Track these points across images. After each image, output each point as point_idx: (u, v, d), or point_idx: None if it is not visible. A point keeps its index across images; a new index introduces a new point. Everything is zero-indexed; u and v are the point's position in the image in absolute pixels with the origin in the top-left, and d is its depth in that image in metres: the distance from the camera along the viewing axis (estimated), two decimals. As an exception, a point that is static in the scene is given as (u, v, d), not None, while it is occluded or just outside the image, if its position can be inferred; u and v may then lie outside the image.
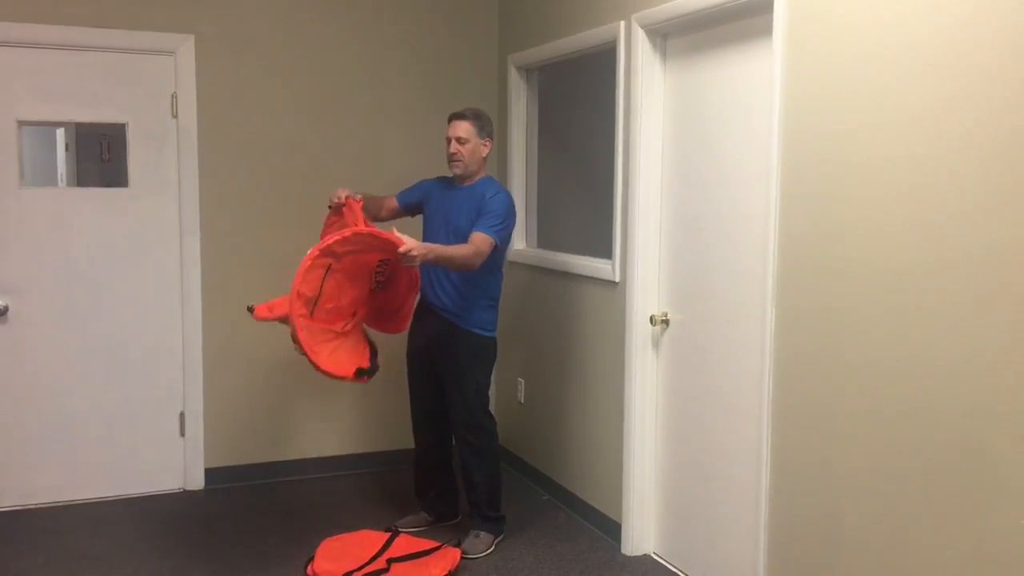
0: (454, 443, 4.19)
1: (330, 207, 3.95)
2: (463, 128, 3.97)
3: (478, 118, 4.01)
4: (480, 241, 3.82)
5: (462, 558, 3.88)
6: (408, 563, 3.76)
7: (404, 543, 3.92)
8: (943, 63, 2.49)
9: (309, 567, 3.75)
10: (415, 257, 3.58)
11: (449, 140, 4.00)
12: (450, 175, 4.11)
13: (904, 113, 2.62)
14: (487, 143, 4.03)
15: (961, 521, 2.49)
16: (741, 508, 3.45)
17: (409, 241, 3.58)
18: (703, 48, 3.64)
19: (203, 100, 4.70)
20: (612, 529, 4.19)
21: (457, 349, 4.00)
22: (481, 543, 4.03)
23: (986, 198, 2.38)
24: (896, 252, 2.66)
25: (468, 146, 3.97)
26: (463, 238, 3.87)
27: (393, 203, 4.24)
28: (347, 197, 3.85)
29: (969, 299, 2.44)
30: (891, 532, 2.71)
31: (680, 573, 3.89)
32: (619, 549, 4.11)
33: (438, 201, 4.11)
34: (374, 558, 3.76)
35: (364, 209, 3.87)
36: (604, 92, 4.18)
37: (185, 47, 4.63)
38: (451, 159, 4.00)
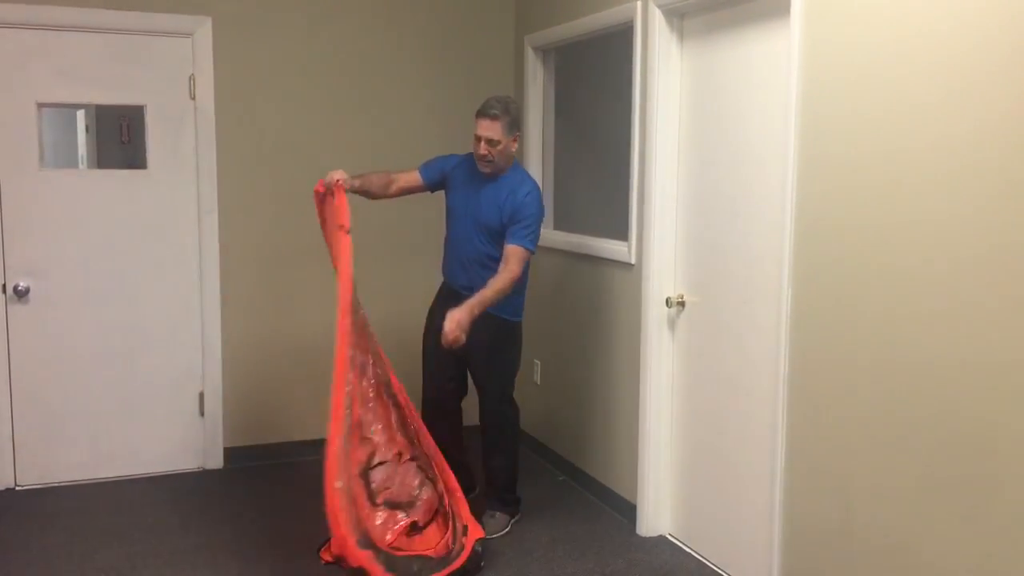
0: (481, 424, 4.10)
1: (319, 192, 3.69)
2: (494, 129, 3.76)
3: (507, 113, 3.78)
4: (517, 257, 3.76)
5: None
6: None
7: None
8: (968, 42, 2.46)
9: (324, 549, 3.74)
10: (463, 332, 3.60)
11: (479, 139, 3.79)
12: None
13: (926, 95, 2.59)
14: (516, 137, 3.86)
15: (976, 503, 2.48)
16: (756, 490, 3.45)
17: (449, 323, 3.59)
18: (720, 28, 3.61)
19: (221, 82, 4.71)
20: (627, 510, 4.20)
21: (487, 334, 3.87)
22: (497, 523, 4.05)
23: (1010, 187, 2.36)
24: (914, 236, 2.64)
25: (499, 147, 3.79)
26: (493, 235, 3.84)
27: (414, 178, 4.03)
28: (339, 181, 3.63)
29: (989, 282, 2.42)
30: (906, 516, 2.70)
31: (695, 554, 3.89)
32: (634, 530, 4.12)
33: (463, 191, 3.97)
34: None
35: (361, 190, 3.82)
36: (621, 73, 4.15)
37: (203, 29, 4.65)
38: (480, 160, 3.83)
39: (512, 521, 4.12)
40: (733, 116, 3.55)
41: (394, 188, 3.99)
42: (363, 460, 3.55)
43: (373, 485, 3.55)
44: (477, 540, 3.67)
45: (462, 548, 3.58)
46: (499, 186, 3.87)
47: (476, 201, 3.92)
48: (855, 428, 2.89)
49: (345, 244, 3.56)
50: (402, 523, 3.54)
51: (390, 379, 3.80)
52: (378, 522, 3.48)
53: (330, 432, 3.39)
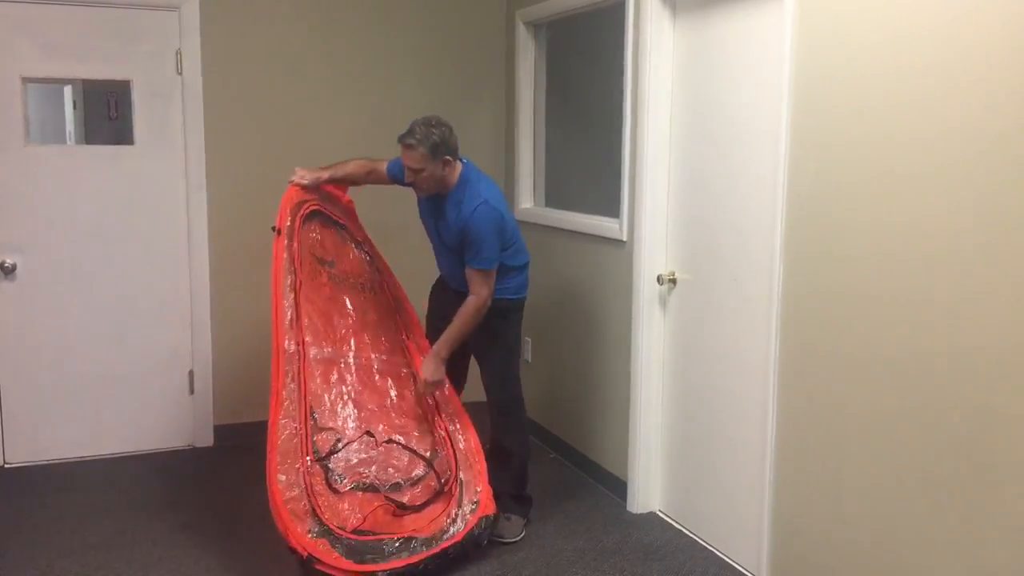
0: (489, 414, 3.95)
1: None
2: (413, 158, 3.53)
3: (427, 140, 3.49)
4: (477, 280, 3.64)
5: (495, 540, 3.74)
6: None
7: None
8: (964, 23, 2.44)
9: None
10: (441, 378, 3.73)
11: (404, 167, 3.62)
12: None
13: (921, 75, 2.57)
14: (448, 160, 3.57)
15: (968, 491, 2.48)
16: (747, 466, 3.46)
17: (424, 371, 3.70)
18: (713, 4, 3.58)
19: (208, 56, 4.66)
20: (618, 487, 4.20)
21: (488, 316, 3.75)
22: (514, 526, 3.85)
23: (1006, 171, 2.34)
24: (905, 212, 2.63)
25: (425, 174, 3.56)
26: (459, 253, 3.70)
27: (383, 171, 3.93)
28: (293, 181, 3.86)
29: (981, 266, 2.42)
30: (897, 494, 2.71)
31: (685, 531, 3.90)
32: (625, 507, 4.13)
33: (425, 204, 3.83)
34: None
35: (332, 181, 3.97)
36: (613, 48, 4.12)
37: (190, 2, 4.59)
38: (412, 186, 3.68)
39: (525, 524, 3.92)
40: (726, 93, 3.53)
41: (370, 177, 4.00)
42: (323, 448, 3.55)
43: (337, 471, 3.53)
44: (483, 518, 3.58)
45: (461, 527, 3.53)
46: (450, 204, 3.68)
47: (436, 216, 3.78)
48: (846, 407, 2.89)
49: (276, 246, 3.76)
50: (378, 505, 3.51)
51: (394, 360, 3.89)
52: (343, 507, 3.45)
53: (269, 429, 3.44)
